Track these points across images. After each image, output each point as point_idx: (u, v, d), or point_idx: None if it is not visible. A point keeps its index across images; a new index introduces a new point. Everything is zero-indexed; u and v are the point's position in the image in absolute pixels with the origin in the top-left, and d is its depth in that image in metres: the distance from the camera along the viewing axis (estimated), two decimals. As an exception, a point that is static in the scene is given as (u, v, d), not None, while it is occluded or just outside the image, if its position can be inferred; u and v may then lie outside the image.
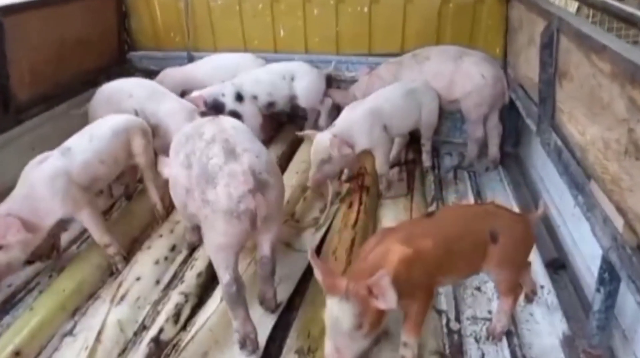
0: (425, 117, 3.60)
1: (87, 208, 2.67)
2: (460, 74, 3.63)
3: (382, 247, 1.88)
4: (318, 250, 2.91)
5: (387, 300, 1.65)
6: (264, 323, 2.36)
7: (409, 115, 3.52)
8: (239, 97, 3.81)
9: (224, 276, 2.16)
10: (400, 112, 3.43)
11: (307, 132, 3.31)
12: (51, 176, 2.55)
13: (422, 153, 3.81)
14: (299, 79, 3.98)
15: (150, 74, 4.24)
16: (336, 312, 1.65)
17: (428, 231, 1.98)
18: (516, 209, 3.13)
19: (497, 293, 2.24)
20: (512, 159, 4.01)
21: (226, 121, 2.42)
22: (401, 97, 3.47)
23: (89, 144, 2.77)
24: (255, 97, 3.87)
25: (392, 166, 3.83)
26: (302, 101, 4.05)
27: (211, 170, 2.11)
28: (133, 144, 2.97)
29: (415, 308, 1.91)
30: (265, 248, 2.37)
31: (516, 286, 2.21)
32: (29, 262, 2.81)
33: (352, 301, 1.64)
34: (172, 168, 2.44)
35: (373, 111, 3.30)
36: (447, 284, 2.40)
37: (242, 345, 2.21)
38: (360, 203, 3.25)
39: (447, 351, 2.24)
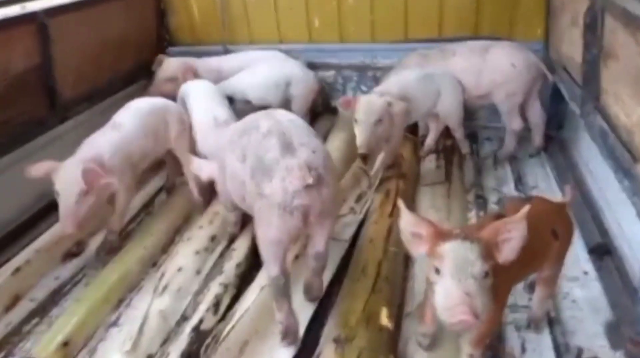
0: (444, 106, 3.51)
1: (128, 187, 2.86)
2: (488, 66, 3.51)
3: None
4: (354, 239, 2.90)
5: (513, 247, 1.54)
6: (302, 312, 2.37)
7: (425, 100, 3.44)
8: (230, 100, 3.75)
9: (273, 269, 2.16)
10: (417, 95, 3.37)
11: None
12: (112, 146, 2.77)
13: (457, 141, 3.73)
14: (294, 85, 3.92)
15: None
16: (464, 253, 1.50)
17: None
18: (559, 195, 3.04)
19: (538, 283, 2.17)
20: (554, 143, 3.87)
21: (281, 114, 2.40)
22: (417, 81, 3.41)
23: (134, 118, 2.95)
24: (248, 103, 3.89)
25: (428, 153, 3.79)
26: (295, 106, 3.93)
27: (267, 163, 2.09)
28: (169, 125, 3.09)
29: (488, 319, 1.77)
30: (319, 244, 2.32)
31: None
32: (74, 255, 2.95)
33: (476, 243, 1.51)
34: (228, 164, 2.42)
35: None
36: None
37: (284, 336, 2.23)
38: (397, 191, 3.22)
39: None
